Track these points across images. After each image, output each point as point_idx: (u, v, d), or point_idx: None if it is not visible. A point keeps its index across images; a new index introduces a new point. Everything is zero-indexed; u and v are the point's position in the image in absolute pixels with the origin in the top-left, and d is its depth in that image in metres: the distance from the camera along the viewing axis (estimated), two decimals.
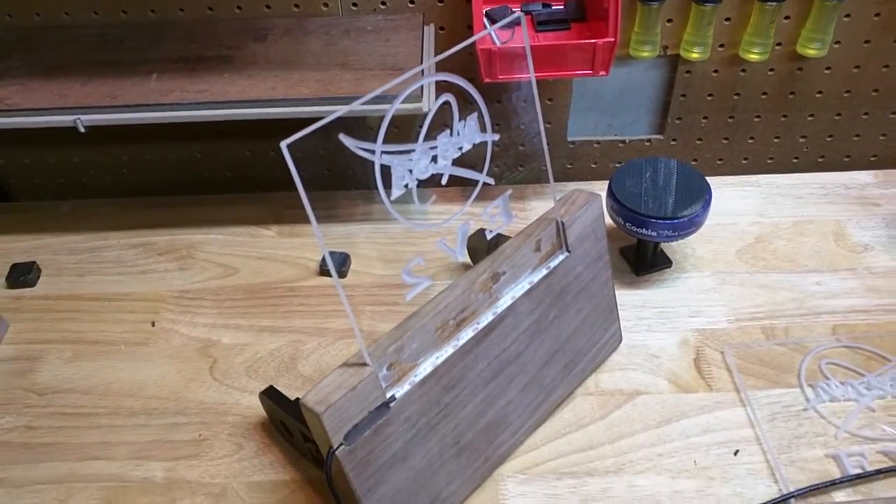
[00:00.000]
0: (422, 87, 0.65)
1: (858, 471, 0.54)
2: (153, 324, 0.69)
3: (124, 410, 0.62)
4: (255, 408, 0.61)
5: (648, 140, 0.88)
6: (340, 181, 0.88)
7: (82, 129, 0.65)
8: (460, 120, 0.45)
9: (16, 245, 0.79)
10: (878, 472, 0.54)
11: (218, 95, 0.66)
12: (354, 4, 0.77)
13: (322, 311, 0.70)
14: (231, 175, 0.91)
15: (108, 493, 0.56)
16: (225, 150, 0.88)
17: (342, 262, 0.74)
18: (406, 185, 0.43)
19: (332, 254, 0.74)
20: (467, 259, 0.69)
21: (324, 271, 0.74)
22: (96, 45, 0.74)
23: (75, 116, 0.65)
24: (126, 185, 0.92)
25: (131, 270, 0.75)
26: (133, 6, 0.76)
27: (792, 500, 0.53)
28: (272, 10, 0.77)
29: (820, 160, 0.89)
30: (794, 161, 0.89)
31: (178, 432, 0.60)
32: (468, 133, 0.46)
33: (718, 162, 0.89)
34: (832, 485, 0.53)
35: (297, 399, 0.57)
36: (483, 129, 0.46)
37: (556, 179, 0.90)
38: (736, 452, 0.56)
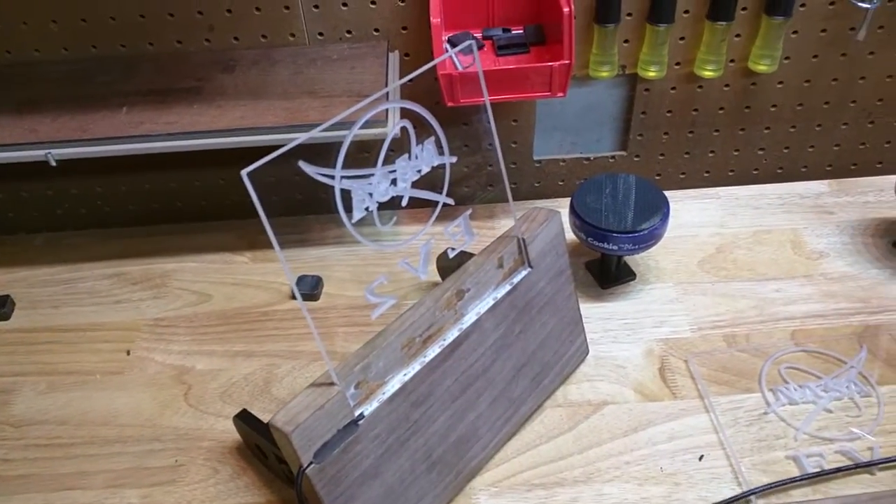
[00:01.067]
0: (387, 111, 0.67)
1: (817, 470, 0.55)
2: (128, 352, 0.70)
3: (99, 439, 0.63)
4: (230, 432, 0.62)
5: (612, 157, 0.90)
6: (314, 205, 0.89)
7: (53, 163, 0.66)
8: (418, 144, 0.47)
9: None
10: (837, 469, 0.55)
11: (187, 126, 0.68)
12: (320, 34, 0.78)
13: (295, 334, 0.71)
14: (205, 203, 0.92)
15: None
16: (198, 178, 0.89)
17: (315, 285, 0.75)
18: (367, 209, 0.45)
19: (304, 276, 0.76)
20: (430, 278, 0.70)
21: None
22: (67, 80, 0.75)
23: (46, 151, 0.66)
24: (101, 216, 0.93)
25: (106, 300, 0.76)
26: (103, 41, 0.78)
27: (752, 498, 0.54)
28: (240, 42, 0.78)
29: (779, 171, 0.92)
30: (755, 173, 0.92)
31: (153, 459, 0.61)
32: (426, 156, 0.47)
33: (681, 176, 0.92)
34: (791, 482, 0.55)
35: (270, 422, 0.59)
36: (441, 153, 0.48)
37: (525, 198, 0.92)
38: (701, 458, 0.58)
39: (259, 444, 0.57)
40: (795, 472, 0.56)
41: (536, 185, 0.93)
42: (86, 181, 0.90)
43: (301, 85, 0.73)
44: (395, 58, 0.78)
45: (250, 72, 0.75)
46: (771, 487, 0.55)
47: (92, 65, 0.77)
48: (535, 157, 0.90)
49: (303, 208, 0.88)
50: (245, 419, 0.59)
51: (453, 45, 0.75)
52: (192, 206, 0.92)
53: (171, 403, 0.65)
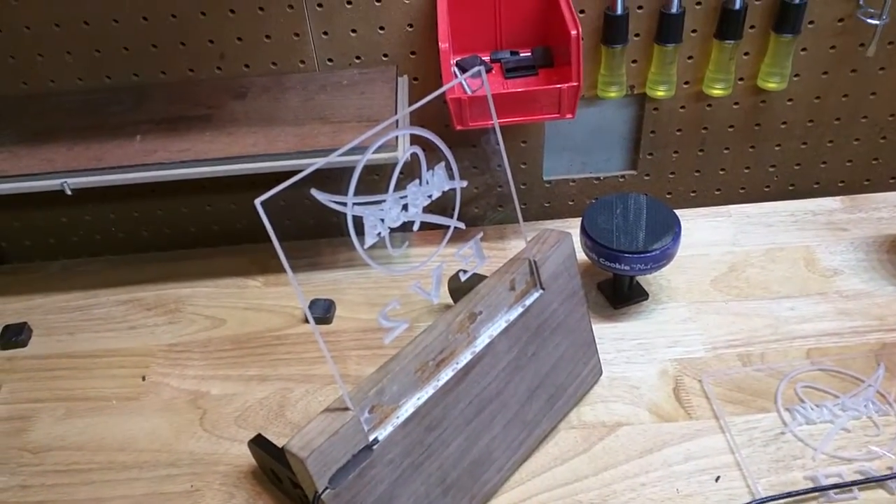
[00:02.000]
0: (397, 137, 0.67)
1: (837, 493, 0.55)
2: (143, 378, 0.70)
3: (116, 465, 0.63)
4: (246, 457, 0.62)
5: (622, 176, 0.90)
6: (326, 229, 0.90)
7: (69, 192, 0.67)
8: (428, 169, 0.47)
9: (7, 307, 0.80)
10: (853, 483, 0.55)
11: (200, 154, 0.69)
12: (330, 60, 0.79)
13: (309, 357, 0.71)
14: (217, 228, 0.93)
15: None
16: (210, 204, 0.90)
17: (327, 309, 0.75)
18: (379, 234, 0.45)
19: (317, 300, 0.76)
20: (442, 301, 0.71)
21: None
22: (81, 110, 0.77)
23: (62, 180, 0.67)
24: (115, 243, 0.94)
25: (121, 326, 0.77)
26: (116, 71, 0.79)
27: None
28: (251, 69, 0.80)
29: (791, 188, 0.91)
30: (766, 190, 0.92)
31: (169, 484, 0.61)
32: (437, 181, 0.48)
33: (692, 194, 0.92)
34: (805, 493, 0.55)
35: (285, 446, 0.59)
36: (451, 177, 0.49)
37: (535, 218, 0.92)
38: (717, 479, 0.57)
39: (274, 468, 0.57)
40: (816, 493, 0.55)
41: (546, 205, 0.93)
42: (100, 208, 0.91)
43: (311, 111, 0.74)
44: (403, 82, 0.79)
45: (261, 98, 0.76)
46: (784, 497, 0.54)
47: (106, 94, 0.79)
48: (545, 178, 0.90)
49: (314, 232, 0.89)
50: (260, 444, 0.59)
51: (462, 68, 0.76)
52: (205, 231, 0.93)
53: (186, 428, 0.65)
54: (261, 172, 0.69)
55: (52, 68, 0.79)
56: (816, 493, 0.55)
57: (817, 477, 0.56)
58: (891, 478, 0.55)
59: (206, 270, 0.82)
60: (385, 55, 0.79)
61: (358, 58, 0.79)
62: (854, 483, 0.55)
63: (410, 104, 0.78)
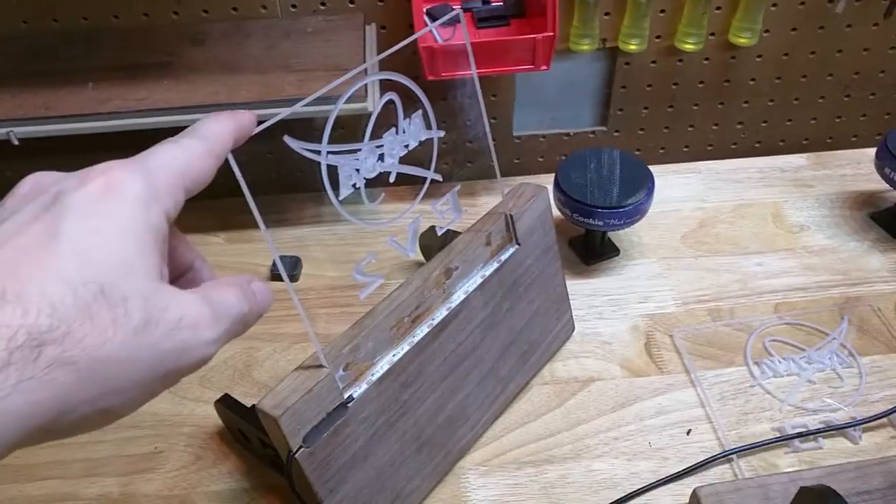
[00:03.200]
0: (366, 86, 0.65)
1: (803, 442, 0.56)
2: None
3: None
4: (211, 417, 0.61)
5: (592, 132, 0.90)
6: (289, 184, 0.87)
7: (16, 142, 0.63)
8: (405, 118, 0.45)
9: None
10: (817, 431, 0.57)
11: (159, 102, 0.65)
12: (293, 6, 0.76)
13: (275, 316, 0.68)
14: None
15: None
16: None
17: (293, 266, 0.73)
18: (354, 185, 0.43)
19: (283, 257, 0.74)
20: (419, 256, 0.69)
21: (275, 276, 0.73)
22: (27, 55, 0.72)
23: (8, 129, 0.63)
24: None
25: None
26: (64, 14, 0.74)
27: (734, 458, 0.56)
28: (210, 15, 0.76)
29: (757, 145, 0.92)
30: (733, 147, 0.92)
31: (132, 446, 0.59)
32: (414, 130, 0.46)
33: (661, 151, 0.92)
34: (770, 443, 0.56)
35: (254, 406, 0.57)
36: (428, 126, 0.47)
37: (504, 174, 0.90)
38: (688, 432, 0.58)
39: (242, 428, 0.56)
40: (783, 444, 0.56)
41: (516, 161, 0.92)
42: (48, 162, 0.86)
43: (275, 59, 0.71)
44: (371, 31, 0.76)
45: (221, 45, 0.73)
46: (752, 447, 0.56)
47: (54, 39, 0.74)
48: (515, 133, 0.89)
49: (277, 187, 0.86)
50: (227, 404, 0.57)
51: (432, 17, 0.73)
52: None
53: None
54: None
55: None
56: (782, 443, 0.56)
57: (784, 428, 0.57)
58: (850, 425, 0.57)
59: None
60: (352, 2, 0.76)
61: (323, 4, 0.76)
62: (818, 431, 0.56)
63: (379, 53, 0.75)
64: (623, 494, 0.54)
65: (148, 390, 0.29)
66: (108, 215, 0.29)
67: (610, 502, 0.54)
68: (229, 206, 0.80)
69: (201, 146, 0.34)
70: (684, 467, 0.55)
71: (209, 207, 0.81)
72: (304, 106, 0.40)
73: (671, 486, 0.54)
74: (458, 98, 0.86)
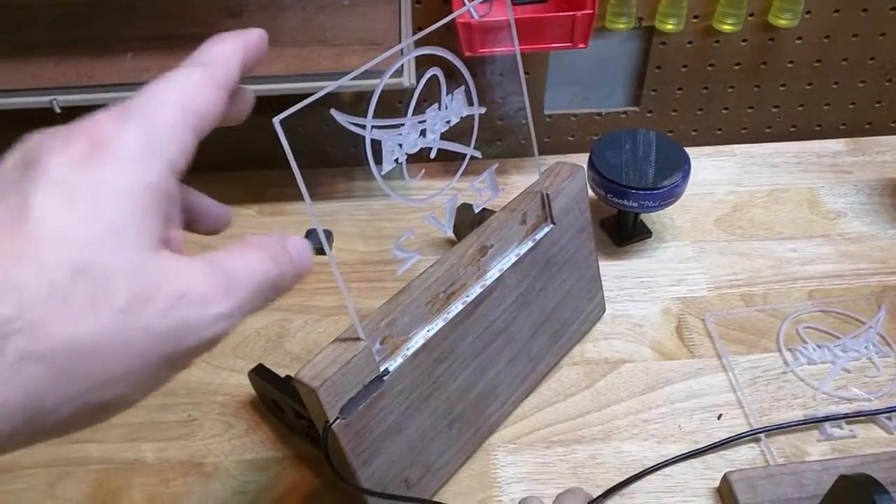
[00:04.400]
0: (402, 64, 0.65)
1: (836, 430, 0.56)
2: None
3: None
4: (244, 387, 0.61)
5: (625, 112, 0.89)
6: (316, 159, 0.87)
7: (58, 110, 0.64)
8: (448, 94, 0.45)
9: None
10: (846, 416, 0.56)
11: None
12: None
13: (307, 289, 0.70)
14: (206, 155, 0.89)
15: (99, 476, 0.56)
16: None
17: (326, 239, 0.74)
18: (396, 160, 0.43)
19: (314, 230, 0.74)
20: (438, 234, 0.69)
21: None
22: (62, 23, 0.72)
23: (51, 97, 0.63)
24: None
25: None
26: None
27: (762, 437, 0.56)
28: None
29: (792, 129, 0.90)
30: (767, 131, 0.91)
31: (167, 413, 0.60)
32: (455, 106, 0.46)
33: (693, 133, 0.91)
34: (800, 424, 0.56)
35: (288, 376, 0.58)
36: (470, 103, 0.47)
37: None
38: (719, 416, 0.58)
39: (276, 398, 0.57)
40: (814, 431, 0.56)
41: (546, 140, 0.91)
42: None
43: (311, 32, 0.71)
44: (406, 4, 0.75)
45: (257, 18, 0.73)
46: (780, 427, 0.56)
47: (88, 8, 0.74)
48: (546, 112, 0.88)
49: (305, 161, 0.86)
50: (262, 374, 0.58)
51: None
52: (195, 157, 0.89)
53: None
54: (257, 95, 0.65)
55: None
56: (813, 430, 0.56)
57: (817, 416, 0.57)
58: (883, 412, 0.56)
59: None
60: None
61: None
62: (846, 416, 0.56)
63: (413, 28, 0.75)
64: (646, 467, 0.54)
65: (149, 377, 0.26)
66: (91, 181, 0.25)
67: (635, 472, 0.54)
68: (260, 178, 0.81)
69: (202, 74, 0.29)
70: (714, 451, 0.55)
71: (239, 179, 0.82)
72: (351, 79, 0.39)
73: (699, 468, 0.55)
74: (489, 75, 0.86)
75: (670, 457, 0.55)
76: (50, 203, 0.24)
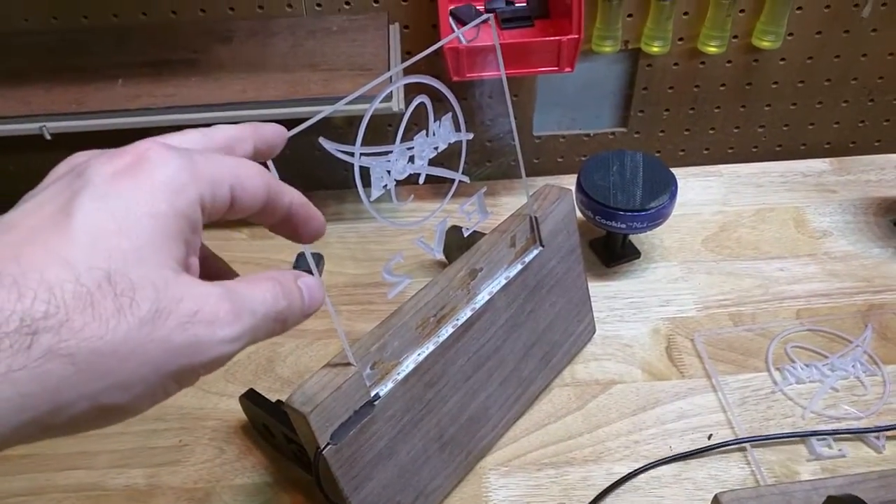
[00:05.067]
0: (391, 89, 0.65)
1: (826, 449, 0.56)
2: None
3: None
4: (235, 411, 0.61)
5: (612, 133, 0.90)
6: (306, 182, 0.87)
7: (48, 137, 0.64)
8: (435, 120, 0.46)
9: None
10: (835, 431, 0.57)
11: (187, 99, 0.66)
12: (318, 5, 0.77)
13: None
14: None
15: (89, 502, 0.56)
16: None
17: (317, 263, 0.74)
18: (385, 186, 0.44)
19: (304, 253, 0.74)
20: (424, 256, 0.70)
21: None
22: (58, 50, 0.73)
23: (41, 124, 0.64)
24: None
25: None
26: (94, 11, 0.75)
27: (748, 447, 0.56)
28: (236, 13, 0.76)
29: (778, 149, 0.92)
30: (754, 150, 0.92)
31: (157, 439, 0.60)
32: (443, 133, 0.46)
33: (681, 153, 0.92)
34: (786, 437, 0.57)
35: (279, 401, 0.58)
36: (457, 129, 0.47)
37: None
38: (710, 437, 0.58)
39: (267, 423, 0.57)
40: (802, 450, 0.56)
41: (535, 161, 0.92)
42: None
43: (301, 57, 0.71)
44: (395, 30, 0.77)
45: (248, 43, 0.73)
46: (766, 439, 0.56)
47: (83, 35, 0.75)
48: (535, 133, 0.89)
49: (297, 185, 0.87)
50: (252, 398, 0.58)
51: (456, 17, 0.73)
52: None
53: None
54: (247, 121, 0.66)
55: (25, 5, 0.74)
56: (801, 446, 0.57)
57: (805, 432, 0.57)
58: (872, 431, 0.57)
59: None
60: (375, 1, 0.76)
61: (347, 3, 0.76)
62: (834, 432, 0.56)
63: (402, 53, 0.76)
64: (636, 487, 0.54)
65: (157, 388, 0.27)
66: (127, 196, 0.26)
67: (621, 476, 0.55)
68: None
69: (259, 169, 0.33)
70: (705, 471, 0.55)
71: None
72: (345, 105, 0.40)
73: (690, 489, 0.55)
74: (477, 98, 0.87)
75: (661, 478, 0.55)
76: (91, 210, 0.26)
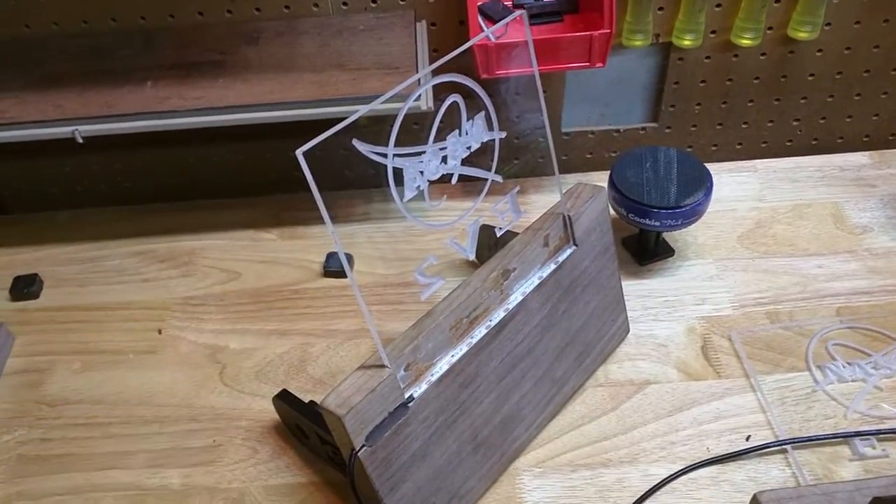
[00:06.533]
0: (419, 84, 0.65)
1: (868, 449, 0.55)
2: (160, 331, 0.69)
3: (136, 419, 0.62)
4: (268, 412, 0.61)
5: (643, 128, 0.88)
6: (334, 182, 0.88)
7: (80, 140, 0.64)
8: (468, 119, 0.45)
9: (16, 258, 0.78)
10: (878, 431, 0.56)
11: (215, 101, 0.66)
12: (345, 3, 0.76)
13: (328, 312, 0.70)
14: (224, 180, 0.90)
15: (126, 502, 0.56)
16: (217, 154, 0.87)
17: (348, 264, 0.74)
18: (418, 187, 0.43)
19: (333, 253, 0.74)
20: (454, 255, 0.69)
21: (328, 273, 0.73)
22: (88, 54, 0.73)
23: (73, 127, 0.64)
24: (120, 193, 0.91)
25: (133, 279, 0.75)
26: (122, 14, 0.76)
27: (788, 448, 0.55)
28: (262, 13, 0.76)
29: (813, 143, 0.90)
30: (788, 144, 0.90)
31: (192, 439, 0.60)
32: (476, 132, 0.46)
33: (713, 148, 0.90)
34: (830, 437, 0.56)
35: (312, 402, 0.58)
36: (490, 127, 0.47)
37: (552, 171, 0.90)
38: (748, 438, 0.57)
39: (300, 424, 0.57)
40: (846, 451, 0.55)
41: (564, 157, 0.91)
42: (106, 157, 0.88)
43: (328, 57, 0.71)
44: (422, 28, 0.76)
45: (275, 44, 0.73)
46: (807, 440, 0.55)
47: (112, 38, 0.75)
48: (564, 130, 0.88)
49: (326, 185, 0.87)
50: (286, 399, 0.58)
51: (484, 14, 0.73)
52: (211, 183, 0.90)
53: (206, 383, 0.64)
54: (277, 122, 0.66)
55: (56, 10, 0.75)
56: (843, 447, 0.55)
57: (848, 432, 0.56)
58: None
59: (216, 222, 0.80)
60: None
61: (374, 1, 0.76)
62: (878, 432, 0.55)
63: (429, 51, 0.75)
64: (668, 471, 0.54)
65: None
66: None
67: (657, 478, 0.54)
68: (279, 201, 0.82)
69: None
70: (743, 473, 0.54)
71: (259, 204, 0.82)
72: (380, 104, 0.39)
73: (729, 490, 0.54)
74: (503, 94, 0.86)
75: (699, 479, 0.54)
76: None
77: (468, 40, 0.65)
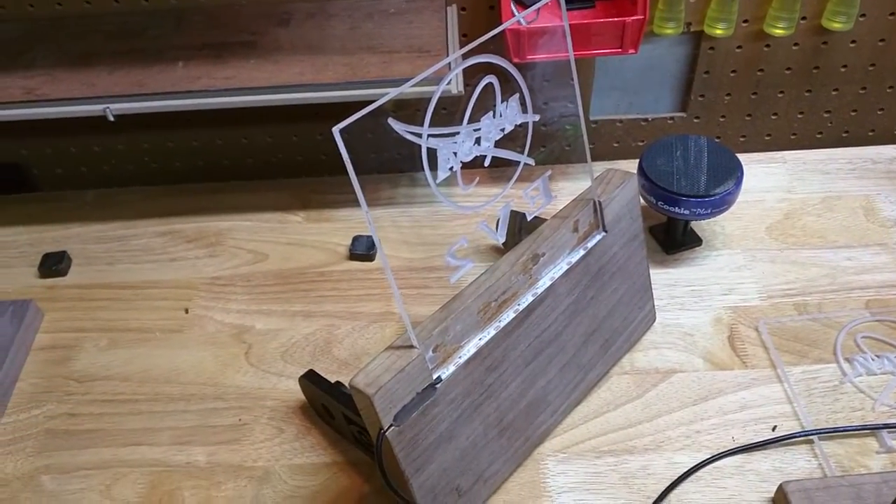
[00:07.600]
0: (450, 69, 0.65)
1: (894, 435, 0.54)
2: (186, 311, 0.70)
3: (164, 397, 0.63)
4: (293, 392, 0.62)
5: (671, 118, 0.87)
6: (360, 167, 0.88)
7: (111, 118, 0.65)
8: (503, 101, 0.45)
9: (45, 235, 0.79)
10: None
11: (246, 82, 0.66)
12: None
13: (353, 295, 0.70)
14: (252, 161, 0.90)
15: (153, 478, 0.57)
16: (246, 136, 0.88)
17: (370, 246, 0.74)
18: (451, 168, 0.43)
19: (359, 237, 0.74)
20: (481, 241, 0.69)
21: (354, 255, 0.74)
22: (119, 33, 0.74)
23: (105, 105, 0.65)
24: (147, 173, 0.92)
25: (161, 258, 0.75)
26: None
27: (815, 439, 0.55)
28: None
29: (844, 135, 0.88)
30: (818, 136, 0.89)
31: (217, 417, 0.61)
32: (510, 114, 0.46)
33: (741, 139, 0.89)
34: (858, 429, 0.55)
35: (338, 382, 0.58)
36: (524, 110, 0.47)
37: (580, 160, 0.89)
38: (774, 428, 0.56)
39: (326, 404, 0.57)
40: (873, 444, 0.55)
41: (591, 146, 0.90)
42: (134, 137, 0.89)
43: (359, 40, 0.71)
44: (452, 12, 0.76)
45: (305, 25, 0.73)
46: (834, 431, 0.55)
47: (143, 18, 0.76)
48: (592, 118, 0.88)
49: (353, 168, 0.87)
50: (312, 379, 0.58)
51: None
52: (239, 164, 0.91)
53: (232, 362, 0.65)
54: (307, 103, 0.66)
55: None
56: (871, 439, 0.55)
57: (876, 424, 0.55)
58: None
59: (244, 204, 0.80)
60: None
61: None
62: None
63: (459, 35, 0.75)
64: (698, 477, 0.53)
65: None
66: None
67: (683, 466, 0.54)
68: (306, 184, 0.82)
69: None
70: (769, 463, 0.54)
71: (287, 186, 0.83)
72: (411, 87, 0.39)
73: (754, 480, 0.53)
74: (530, 80, 0.86)
75: (724, 468, 0.54)
76: None
77: (498, 25, 0.65)
